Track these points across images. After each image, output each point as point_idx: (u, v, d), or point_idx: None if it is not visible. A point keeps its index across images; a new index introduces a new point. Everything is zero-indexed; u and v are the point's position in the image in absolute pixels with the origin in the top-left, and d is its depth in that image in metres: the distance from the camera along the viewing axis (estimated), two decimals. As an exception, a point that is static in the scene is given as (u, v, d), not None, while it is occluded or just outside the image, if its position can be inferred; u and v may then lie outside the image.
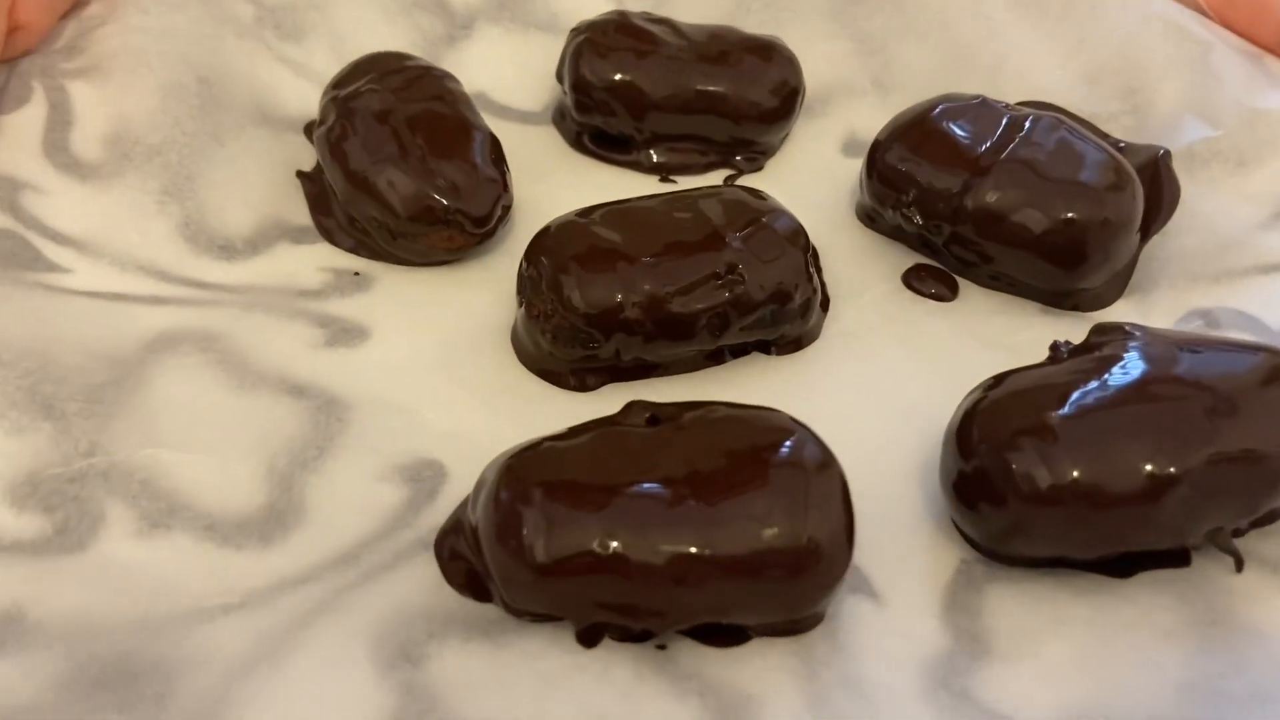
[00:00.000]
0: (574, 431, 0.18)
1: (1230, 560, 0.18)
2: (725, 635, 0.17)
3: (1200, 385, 0.18)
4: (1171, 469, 0.17)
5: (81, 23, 0.25)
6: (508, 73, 0.29)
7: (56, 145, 0.23)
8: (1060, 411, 0.18)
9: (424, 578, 0.18)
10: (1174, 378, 0.19)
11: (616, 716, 0.16)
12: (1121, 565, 0.18)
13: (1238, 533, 0.19)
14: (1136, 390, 0.18)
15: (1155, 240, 0.25)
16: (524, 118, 0.29)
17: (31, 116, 0.23)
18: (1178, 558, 0.18)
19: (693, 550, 0.16)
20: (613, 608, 0.16)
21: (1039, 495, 0.18)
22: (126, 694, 0.15)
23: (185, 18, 0.26)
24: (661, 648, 0.17)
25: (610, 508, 0.17)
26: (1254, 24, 0.28)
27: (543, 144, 0.28)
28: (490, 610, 0.17)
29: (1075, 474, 0.18)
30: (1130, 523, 0.18)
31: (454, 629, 0.17)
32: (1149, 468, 0.17)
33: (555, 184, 0.27)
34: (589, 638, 0.17)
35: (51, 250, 0.21)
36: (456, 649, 0.17)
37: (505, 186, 0.24)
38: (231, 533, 0.18)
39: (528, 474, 0.17)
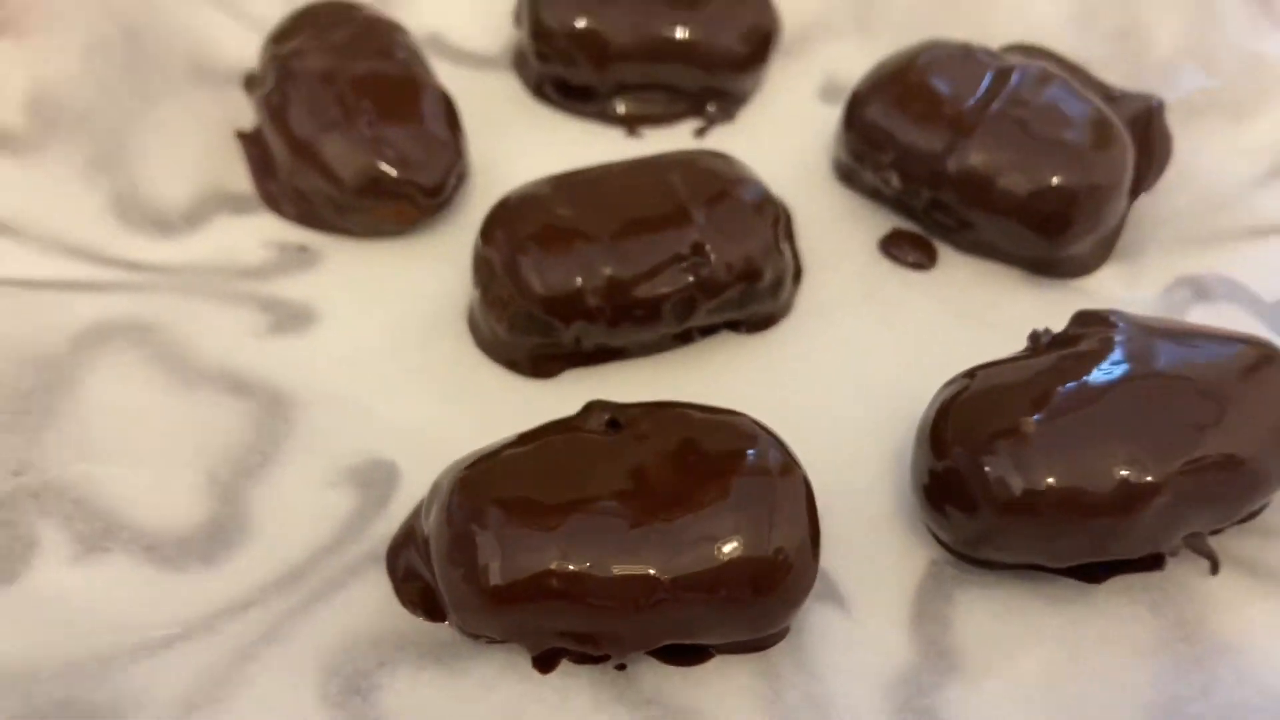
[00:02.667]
0: (530, 437, 0.17)
1: (1204, 563, 0.18)
2: (687, 655, 0.17)
3: (1181, 385, 0.18)
4: (1150, 477, 0.17)
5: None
6: (463, 10, 0.27)
7: (-28, 113, 0.21)
8: (1035, 411, 0.17)
9: (375, 596, 0.17)
10: (1155, 376, 0.18)
11: None
12: (1094, 571, 0.18)
13: (1215, 531, 0.18)
14: (1116, 391, 0.18)
15: (1144, 199, 0.24)
16: (481, 63, 0.27)
17: (-57, 82, 0.22)
18: (1152, 562, 0.18)
19: (652, 573, 0.16)
20: (570, 635, 0.16)
21: (1013, 503, 0.17)
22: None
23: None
24: (621, 668, 0.17)
25: (566, 527, 0.16)
26: None
27: (501, 92, 0.26)
28: (444, 631, 0.17)
29: (1051, 481, 0.17)
30: (1107, 533, 0.17)
31: (406, 655, 0.16)
32: (1127, 476, 0.17)
33: (515, 139, 0.25)
34: (545, 662, 0.16)
35: (-27, 233, 0.20)
36: (409, 678, 0.16)
37: (459, 153, 0.23)
38: (172, 553, 0.17)
39: (482, 489, 0.16)
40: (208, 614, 0.16)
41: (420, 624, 0.17)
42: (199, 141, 0.23)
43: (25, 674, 0.15)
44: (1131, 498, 0.17)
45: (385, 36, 0.23)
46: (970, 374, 0.19)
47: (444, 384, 0.21)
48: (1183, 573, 0.18)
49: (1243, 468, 0.17)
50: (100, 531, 0.17)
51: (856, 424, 0.20)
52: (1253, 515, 0.19)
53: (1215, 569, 0.18)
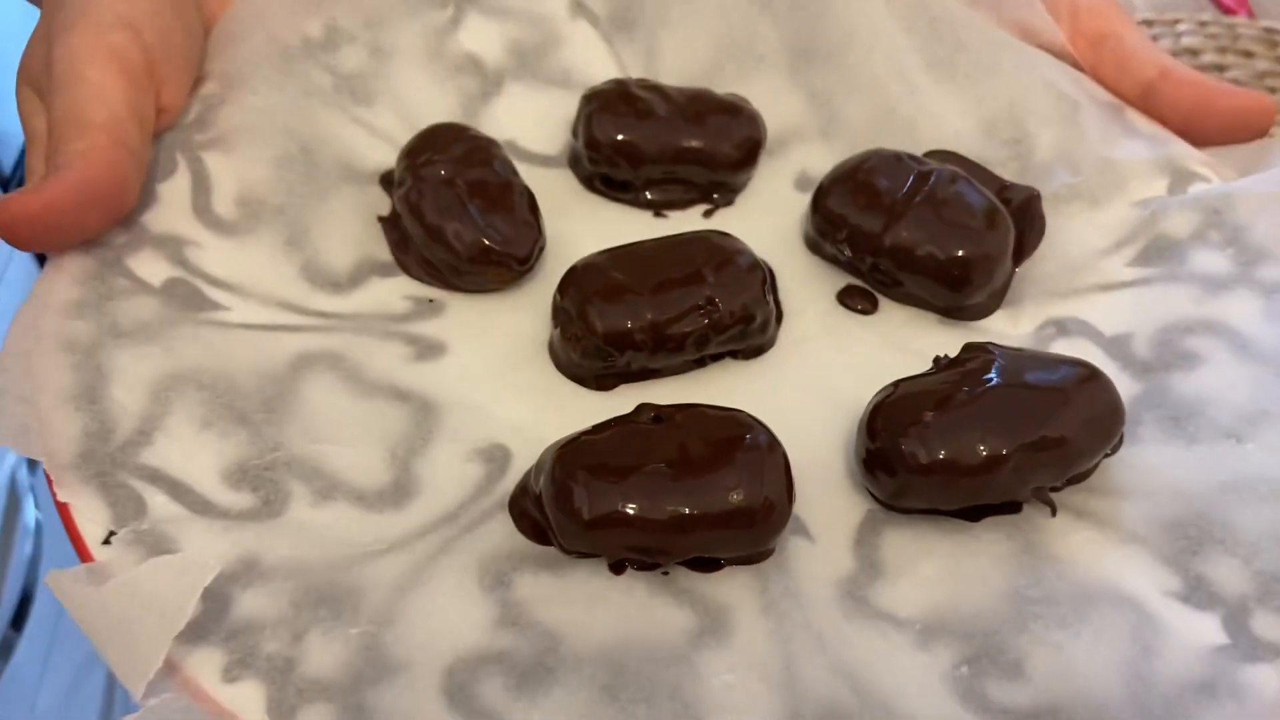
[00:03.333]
0: (601, 428, 0.26)
1: (1047, 509, 0.27)
2: (708, 564, 0.26)
3: (1030, 391, 0.27)
4: (1005, 450, 0.26)
5: (204, 101, 0.32)
6: (529, 122, 0.37)
7: (202, 207, 0.31)
8: (935, 409, 0.27)
9: (503, 530, 0.26)
10: (1013, 385, 0.27)
11: (638, 620, 0.24)
12: (974, 513, 0.27)
13: (1055, 489, 0.27)
14: (986, 395, 0.27)
15: (1025, 264, 0.33)
16: (545, 161, 0.36)
17: (180, 184, 0.31)
18: (1013, 507, 0.27)
19: (686, 511, 0.24)
20: (633, 549, 0.25)
21: (919, 468, 0.26)
22: (333, 608, 0.23)
23: (283, 95, 0.33)
24: (665, 573, 0.26)
25: (629, 482, 0.25)
26: (1117, 80, 0.36)
27: (561, 184, 0.36)
28: (550, 551, 0.26)
29: (942, 454, 0.26)
30: (979, 486, 0.26)
31: (528, 564, 0.25)
32: (992, 449, 0.26)
33: (574, 219, 0.34)
34: (618, 568, 0.25)
35: (213, 293, 0.29)
36: (531, 577, 0.25)
37: (540, 232, 0.32)
38: (374, 501, 0.26)
39: (573, 460, 0.25)
40: (401, 537, 0.25)
41: (534, 546, 0.26)
42: (354, 224, 0.32)
43: (299, 568, 0.24)
44: (994, 462, 0.26)
45: (486, 150, 0.33)
46: (895, 385, 0.28)
47: (535, 394, 0.30)
48: (1032, 514, 0.27)
49: (1068, 444, 0.27)
50: (328, 488, 0.26)
51: (819, 419, 0.29)
52: (1080, 478, 0.28)
53: (1053, 512, 0.27)
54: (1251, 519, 0.26)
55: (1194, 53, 0.92)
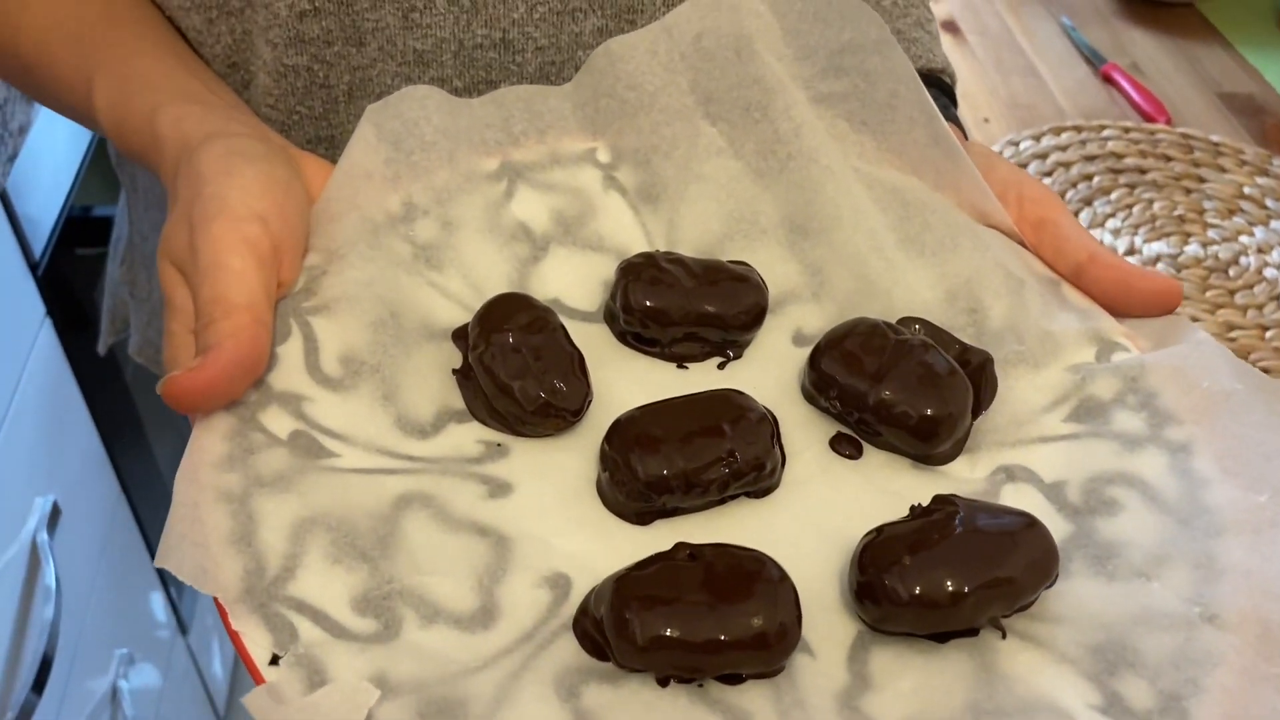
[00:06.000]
0: (647, 563, 0.33)
1: (999, 633, 0.34)
2: (733, 678, 0.32)
3: (986, 536, 0.34)
4: (966, 587, 0.33)
5: (309, 272, 0.39)
6: (571, 282, 0.44)
7: (313, 366, 0.37)
8: (911, 552, 0.34)
9: (570, 647, 0.33)
10: (973, 531, 0.34)
11: None
12: (942, 636, 0.34)
13: (1005, 617, 0.35)
14: (952, 541, 0.34)
15: (981, 418, 0.41)
16: (585, 316, 0.43)
17: (294, 346, 0.37)
18: (972, 632, 0.34)
19: (720, 637, 0.31)
20: (676, 666, 0.32)
21: (900, 600, 0.33)
22: (450, 717, 0.30)
23: (374, 266, 0.40)
24: (700, 685, 0.32)
25: (672, 612, 0.32)
26: (1054, 259, 0.44)
27: (598, 337, 0.42)
28: (608, 665, 0.32)
29: (918, 590, 0.33)
30: (947, 616, 0.33)
31: (592, 676, 0.32)
32: (955, 585, 0.33)
33: (610, 369, 0.41)
34: (663, 682, 0.32)
35: (327, 442, 0.36)
36: (595, 688, 0.32)
37: (589, 389, 0.39)
38: (467, 623, 0.32)
39: (627, 593, 0.32)
40: (492, 655, 0.32)
41: (595, 661, 0.32)
42: (434, 377, 0.39)
43: (418, 684, 0.30)
44: (958, 597, 0.33)
45: (544, 318, 0.39)
46: (879, 529, 0.35)
47: (587, 527, 0.36)
48: (987, 636, 0.34)
49: (1015, 582, 0.34)
50: (432, 614, 0.32)
51: (818, 551, 0.36)
52: (1025, 607, 0.35)
53: (1004, 636, 0.34)
54: (1155, 646, 0.33)
55: (1118, 156, 1.02)
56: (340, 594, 0.32)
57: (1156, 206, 0.96)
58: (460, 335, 0.40)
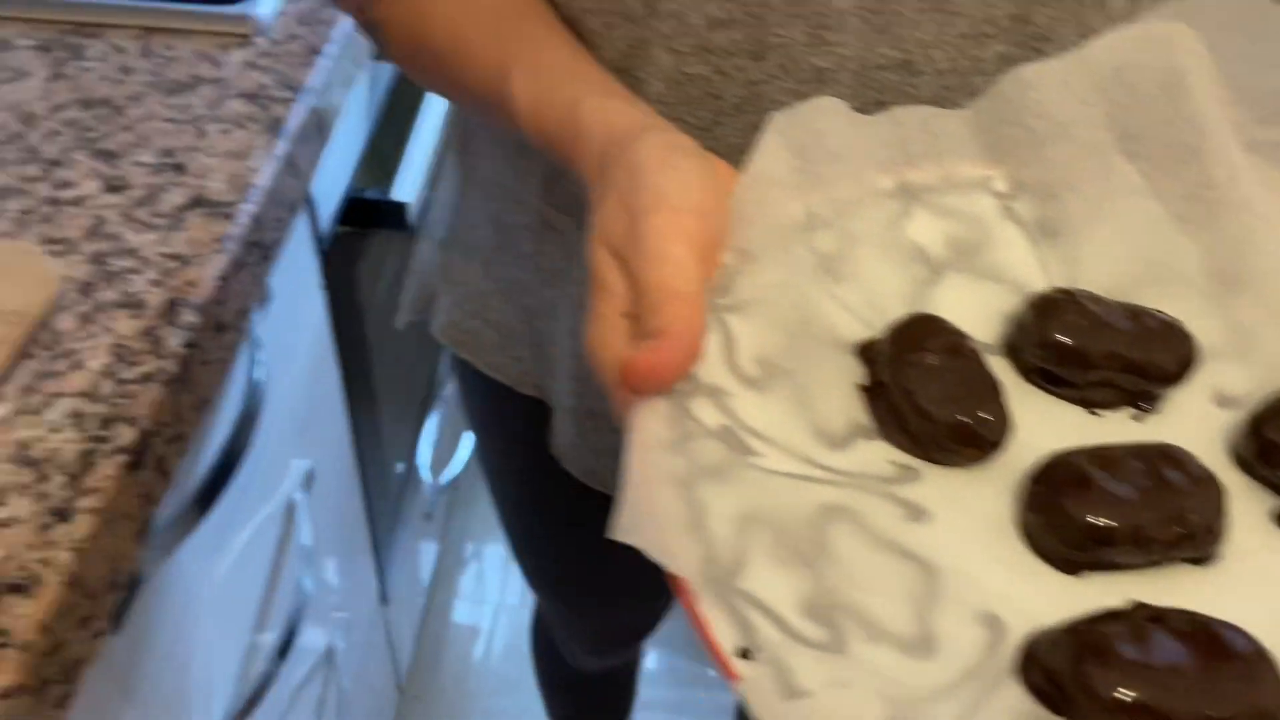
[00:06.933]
0: (1106, 619, 0.31)
1: None
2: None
3: None
4: None
5: (723, 271, 0.38)
6: (966, 311, 0.41)
7: (731, 362, 0.36)
8: None
9: (1015, 693, 0.30)
10: None
11: None
12: None
13: None
14: None
15: None
16: (982, 348, 0.41)
17: (715, 341, 0.36)
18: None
19: (1205, 712, 0.28)
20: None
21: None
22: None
23: (783, 271, 0.39)
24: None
25: (1146, 677, 0.29)
26: None
27: (1000, 371, 0.40)
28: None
29: None
30: None
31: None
32: None
33: (1018, 406, 0.38)
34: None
35: (751, 441, 0.35)
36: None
37: (1010, 419, 0.37)
38: (910, 649, 0.31)
39: (1092, 648, 0.30)
40: (942, 688, 0.30)
41: (1045, 711, 0.30)
42: (841, 390, 0.37)
43: (885, 699, 0.29)
44: None
45: (963, 342, 0.37)
46: None
47: (1012, 567, 0.33)
48: None
49: None
50: (875, 633, 0.30)
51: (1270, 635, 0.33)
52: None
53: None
54: None
55: None
56: (787, 597, 0.30)
57: None
58: (867, 351, 0.39)
